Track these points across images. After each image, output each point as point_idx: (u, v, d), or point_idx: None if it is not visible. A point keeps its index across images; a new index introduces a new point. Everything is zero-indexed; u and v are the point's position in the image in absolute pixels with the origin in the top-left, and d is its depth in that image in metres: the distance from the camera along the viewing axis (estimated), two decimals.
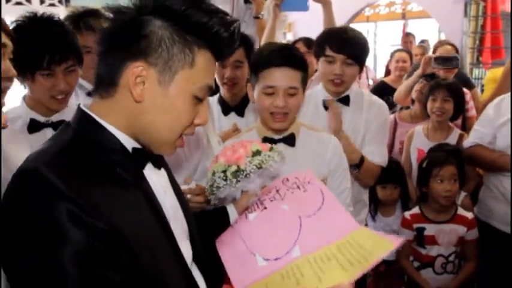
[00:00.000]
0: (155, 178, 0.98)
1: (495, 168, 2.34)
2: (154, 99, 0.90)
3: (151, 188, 0.96)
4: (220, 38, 0.91)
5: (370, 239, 1.04)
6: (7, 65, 1.23)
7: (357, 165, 2.01)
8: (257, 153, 1.29)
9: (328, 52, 2.00)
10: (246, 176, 1.26)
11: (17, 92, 1.87)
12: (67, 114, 1.74)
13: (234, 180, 1.26)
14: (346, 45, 1.98)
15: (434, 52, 3.63)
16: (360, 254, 0.99)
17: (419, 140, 2.90)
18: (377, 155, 2.08)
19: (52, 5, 4.17)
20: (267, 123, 1.66)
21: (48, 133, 1.72)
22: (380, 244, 1.00)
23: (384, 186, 2.68)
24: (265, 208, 1.24)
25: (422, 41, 6.48)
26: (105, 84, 0.92)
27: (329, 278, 0.95)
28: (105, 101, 0.93)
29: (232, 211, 1.30)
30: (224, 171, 1.28)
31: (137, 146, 0.95)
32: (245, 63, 2.22)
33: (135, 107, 0.90)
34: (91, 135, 0.90)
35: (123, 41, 0.89)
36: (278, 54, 1.58)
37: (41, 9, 1.70)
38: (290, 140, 1.69)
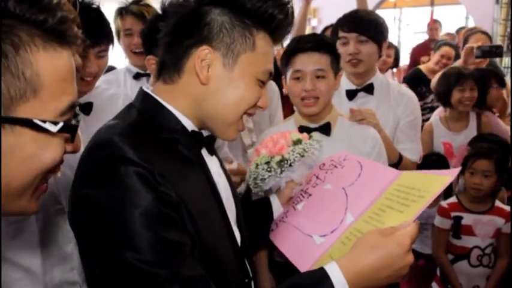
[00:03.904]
0: (209, 162, 1.02)
1: None
2: (220, 82, 0.95)
3: (209, 169, 1.00)
4: (275, 19, 0.97)
5: (420, 179, 1.03)
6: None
7: (394, 164, 1.94)
8: (298, 142, 1.31)
9: (341, 34, 2.00)
10: (290, 165, 1.28)
11: None
12: (94, 97, 1.77)
13: (279, 170, 1.28)
14: (357, 23, 1.97)
15: (465, 41, 3.51)
16: (413, 194, 0.98)
17: (441, 132, 2.85)
18: (411, 152, 2.04)
19: None
20: (299, 109, 1.68)
21: None
22: (433, 181, 0.99)
23: None
24: (310, 195, 1.26)
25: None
26: (169, 70, 0.97)
27: (390, 225, 0.95)
28: (168, 86, 0.97)
29: (275, 202, 1.33)
30: (268, 163, 1.30)
31: (196, 129, 0.99)
32: None
33: (200, 91, 0.95)
34: (154, 115, 0.95)
35: (187, 30, 0.95)
36: (305, 40, 1.64)
37: None
38: (326, 129, 1.67)
